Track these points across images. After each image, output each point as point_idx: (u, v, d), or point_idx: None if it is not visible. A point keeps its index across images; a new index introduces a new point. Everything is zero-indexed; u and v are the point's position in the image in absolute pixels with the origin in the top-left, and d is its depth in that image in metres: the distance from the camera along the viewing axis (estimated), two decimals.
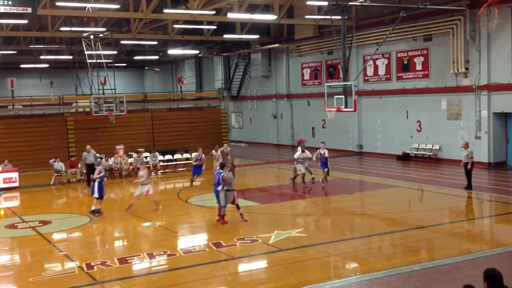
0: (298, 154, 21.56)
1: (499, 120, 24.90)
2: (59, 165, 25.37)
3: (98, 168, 18.07)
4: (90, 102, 30.79)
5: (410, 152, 28.45)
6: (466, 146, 19.86)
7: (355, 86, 22.33)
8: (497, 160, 24.90)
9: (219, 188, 15.47)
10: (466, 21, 25.10)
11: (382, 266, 11.29)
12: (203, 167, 23.30)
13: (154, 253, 12.86)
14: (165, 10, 26.20)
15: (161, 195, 20.57)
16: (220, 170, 15.78)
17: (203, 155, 23.41)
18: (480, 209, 18.38)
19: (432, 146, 27.47)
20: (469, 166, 19.42)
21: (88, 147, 24.04)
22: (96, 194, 17.49)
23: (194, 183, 22.92)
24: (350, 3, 21.86)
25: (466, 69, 25.46)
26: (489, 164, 24.78)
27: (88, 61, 32.47)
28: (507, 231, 14.62)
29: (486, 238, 14.29)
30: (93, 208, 17.56)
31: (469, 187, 19.55)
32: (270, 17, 28.56)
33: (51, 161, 25.51)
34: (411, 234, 14.12)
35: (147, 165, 26.60)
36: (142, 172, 17.89)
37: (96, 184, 17.52)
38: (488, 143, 24.90)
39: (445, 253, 12.17)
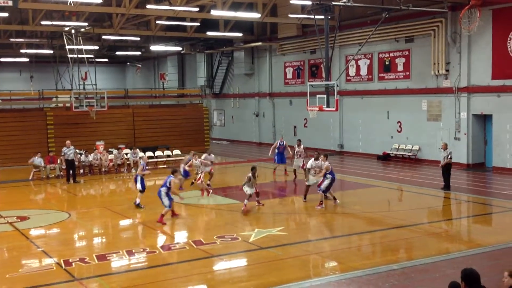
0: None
1: (478, 122, 25.20)
2: (38, 160, 25.06)
3: (142, 164, 18.57)
4: (70, 97, 30.47)
5: (391, 152, 28.66)
6: (446, 147, 20.07)
7: (337, 86, 22.41)
8: (476, 162, 25.21)
9: (164, 189, 15.82)
10: (447, 23, 25.35)
11: (361, 265, 11.36)
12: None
13: (133, 250, 12.79)
14: (148, 6, 26.02)
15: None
16: (171, 175, 16.13)
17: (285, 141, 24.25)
18: (458, 209, 18.59)
19: (412, 147, 27.71)
20: (442, 164, 19.69)
21: (68, 142, 23.81)
22: (139, 187, 17.98)
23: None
24: (333, 3, 21.93)
25: (447, 70, 25.72)
26: (468, 165, 25.07)
27: (69, 55, 32.12)
28: (484, 231, 14.82)
29: (464, 238, 14.46)
30: (137, 201, 17.87)
31: (446, 187, 19.78)
32: (254, 15, 28.53)
33: (30, 160, 25.08)
34: (390, 233, 14.23)
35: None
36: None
37: (139, 178, 17.98)
38: (467, 144, 25.18)
39: (423, 252, 12.29)
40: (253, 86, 39.34)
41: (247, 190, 16.99)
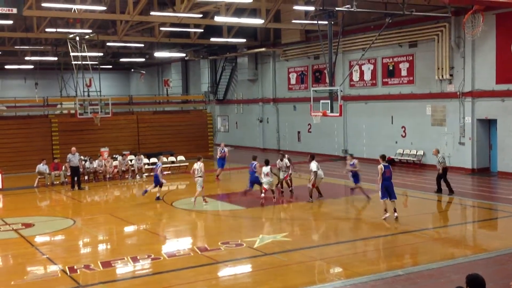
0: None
1: (482, 127, 25.14)
2: (43, 167, 25.11)
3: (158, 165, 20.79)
4: (75, 104, 30.56)
5: (395, 157, 28.59)
6: (437, 152, 20.31)
7: (341, 91, 22.41)
8: (481, 166, 25.12)
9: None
10: (451, 28, 25.35)
11: (366, 271, 11.33)
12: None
13: (138, 257, 12.79)
14: (152, 13, 26.12)
15: (146, 198, 20.46)
16: (254, 161, 19.54)
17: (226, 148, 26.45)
18: (464, 214, 18.53)
19: (416, 152, 27.65)
20: (440, 171, 19.84)
21: (73, 149, 23.85)
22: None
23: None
24: (336, 8, 21.99)
25: (451, 75, 25.70)
26: (473, 170, 24.99)
27: (74, 62, 32.26)
28: (490, 236, 14.77)
29: (469, 243, 14.41)
30: (157, 194, 20.39)
31: (441, 191, 19.93)
32: (257, 21, 28.58)
33: (39, 165, 25.19)
34: (395, 239, 14.20)
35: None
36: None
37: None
38: (471, 149, 25.11)
39: (428, 258, 12.25)
40: (257, 92, 39.37)
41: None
